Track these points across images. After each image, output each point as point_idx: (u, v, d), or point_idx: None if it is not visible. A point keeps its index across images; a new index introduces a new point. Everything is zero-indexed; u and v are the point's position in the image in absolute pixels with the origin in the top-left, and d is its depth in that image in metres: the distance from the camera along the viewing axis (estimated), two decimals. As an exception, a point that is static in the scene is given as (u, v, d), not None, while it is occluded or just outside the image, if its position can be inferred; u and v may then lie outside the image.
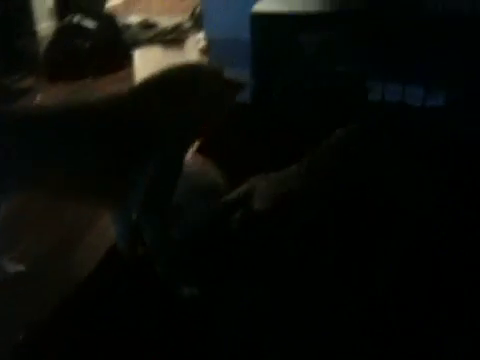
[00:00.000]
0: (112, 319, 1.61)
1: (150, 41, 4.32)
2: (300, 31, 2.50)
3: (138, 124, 1.61)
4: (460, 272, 1.58)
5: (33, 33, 3.76)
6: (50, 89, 3.46)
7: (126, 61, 3.87)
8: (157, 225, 1.66)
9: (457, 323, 1.47)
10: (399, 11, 2.43)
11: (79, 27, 3.75)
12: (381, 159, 1.83)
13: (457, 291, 1.54)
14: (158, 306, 1.63)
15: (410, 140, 1.97)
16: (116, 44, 3.85)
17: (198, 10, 4.55)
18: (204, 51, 3.90)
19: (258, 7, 2.60)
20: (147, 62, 3.95)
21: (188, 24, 4.55)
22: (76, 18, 3.77)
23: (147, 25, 4.49)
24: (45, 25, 4.05)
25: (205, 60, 3.71)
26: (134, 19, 4.64)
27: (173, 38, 4.35)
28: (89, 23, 3.77)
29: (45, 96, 3.33)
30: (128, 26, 4.38)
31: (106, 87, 3.42)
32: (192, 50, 4.11)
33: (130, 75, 3.76)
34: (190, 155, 1.93)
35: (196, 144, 2.05)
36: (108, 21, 3.92)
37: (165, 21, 4.53)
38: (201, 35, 4.07)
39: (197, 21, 4.44)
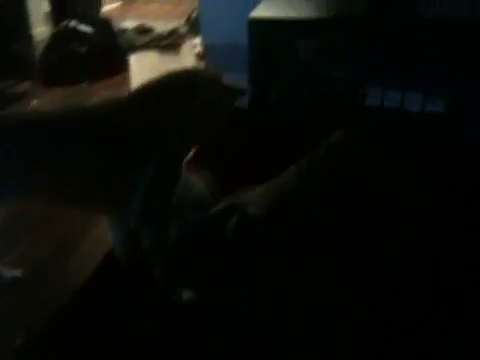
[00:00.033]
0: (110, 324, 1.60)
1: (146, 46, 4.33)
2: (298, 37, 2.50)
3: (137, 129, 1.60)
4: (460, 272, 1.58)
5: (29, 37, 3.76)
6: (46, 94, 3.45)
7: (122, 66, 3.87)
8: (156, 229, 1.66)
9: (457, 323, 1.46)
10: (395, 17, 2.44)
11: (75, 32, 3.75)
12: (380, 159, 1.84)
13: (457, 291, 1.53)
14: (156, 312, 1.62)
15: (409, 141, 1.98)
16: (112, 49, 3.85)
17: (194, 15, 4.56)
18: (200, 56, 3.90)
19: (256, 13, 2.61)
20: (143, 67, 3.95)
21: (184, 29, 4.56)
22: (72, 23, 3.76)
23: (143, 30, 4.50)
24: (41, 29, 4.05)
25: (201, 65, 3.71)
26: (130, 24, 4.65)
27: (169, 43, 4.35)
28: (85, 28, 3.76)
29: (41, 101, 3.32)
30: (124, 31, 4.39)
31: (102, 92, 3.42)
32: (188, 55, 4.12)
33: (126, 80, 3.76)
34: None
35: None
36: (104, 26, 3.91)
37: (161, 26, 4.54)
38: (197, 40, 4.08)
39: (193, 26, 4.46)
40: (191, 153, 1.73)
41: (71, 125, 1.62)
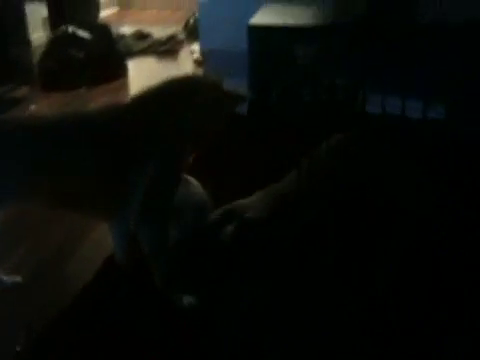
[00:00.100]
0: (109, 327, 1.60)
1: (144, 52, 4.33)
2: (297, 43, 2.53)
3: (138, 134, 1.61)
4: (460, 272, 1.59)
5: (27, 43, 3.75)
6: (44, 99, 3.45)
7: (120, 71, 3.87)
8: (156, 231, 1.66)
9: (457, 323, 1.47)
10: (394, 22, 2.46)
11: (73, 37, 3.75)
12: (380, 161, 1.85)
13: (457, 291, 1.54)
14: (156, 313, 1.62)
15: (408, 142, 1.99)
16: (110, 54, 3.85)
17: (192, 21, 4.57)
18: (199, 62, 3.91)
19: (256, 19, 2.63)
20: (141, 72, 3.95)
21: (182, 35, 4.57)
22: (70, 28, 3.76)
23: (141, 36, 4.50)
24: (39, 35, 4.05)
25: (199, 71, 3.72)
26: (128, 30, 4.65)
27: (167, 49, 4.36)
28: (83, 33, 3.76)
29: (39, 106, 3.32)
30: (122, 36, 4.39)
31: (100, 97, 3.42)
32: (186, 61, 4.12)
33: (124, 85, 3.76)
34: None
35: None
36: (102, 31, 3.91)
37: (159, 32, 4.54)
38: (195, 46, 4.09)
39: (191, 32, 4.47)
40: (191, 157, 1.74)
41: (70, 130, 1.63)
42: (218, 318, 1.58)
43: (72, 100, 3.42)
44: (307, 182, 1.78)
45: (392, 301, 1.52)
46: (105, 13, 5.40)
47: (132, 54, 4.23)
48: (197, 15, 4.02)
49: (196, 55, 4.02)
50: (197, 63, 3.95)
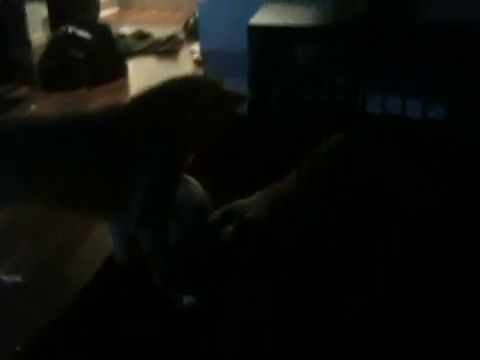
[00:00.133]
0: (109, 327, 1.60)
1: (144, 52, 4.33)
2: (297, 43, 2.53)
3: (138, 134, 1.60)
4: (460, 272, 1.59)
5: (27, 43, 3.74)
6: (44, 99, 3.45)
7: (120, 71, 3.87)
8: (156, 231, 1.66)
9: (457, 323, 1.47)
10: (394, 22, 2.47)
11: (73, 37, 3.75)
12: (380, 161, 1.85)
13: (457, 291, 1.54)
14: (156, 314, 1.62)
15: (408, 142, 1.99)
16: (110, 54, 3.85)
17: (192, 21, 4.57)
18: (199, 62, 3.91)
19: (256, 19, 2.63)
20: (141, 72, 3.95)
21: (182, 35, 4.57)
22: (70, 28, 3.76)
23: (141, 36, 4.50)
24: (39, 35, 4.05)
25: (199, 71, 3.72)
26: (128, 30, 4.65)
27: (167, 49, 4.36)
28: (83, 33, 3.76)
29: (39, 106, 3.32)
30: (122, 37, 4.39)
31: (100, 97, 3.42)
32: (186, 61, 4.12)
33: (124, 85, 3.76)
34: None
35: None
36: (102, 31, 3.91)
37: (159, 32, 4.54)
38: (195, 46, 4.09)
39: (191, 32, 4.47)
40: (191, 157, 1.74)
41: (70, 130, 1.62)
42: (218, 318, 1.58)
43: (72, 100, 3.43)
44: (307, 182, 1.78)
45: (392, 301, 1.52)
46: (105, 13, 5.40)
47: (132, 54, 4.23)
48: (197, 15, 4.03)
49: (196, 55, 4.02)
50: (197, 63, 3.95)
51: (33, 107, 3.31)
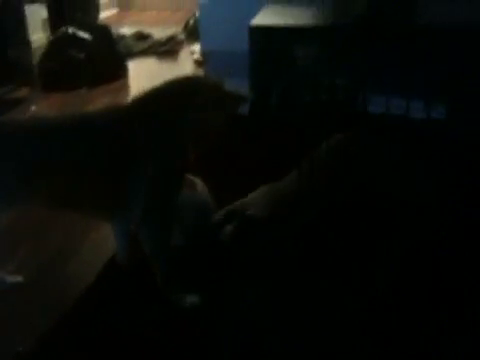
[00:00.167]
0: (110, 328, 1.60)
1: (144, 52, 4.34)
2: (297, 43, 2.53)
3: (139, 135, 1.60)
4: (460, 273, 1.59)
5: (27, 43, 3.75)
6: (44, 100, 3.45)
7: (120, 72, 3.87)
8: (157, 231, 1.66)
9: (457, 323, 1.47)
10: (394, 23, 2.47)
11: (73, 38, 3.75)
12: (380, 161, 1.85)
13: (457, 291, 1.55)
14: (156, 316, 1.62)
15: (408, 142, 1.99)
16: (110, 55, 3.85)
17: (192, 22, 4.58)
18: (199, 63, 3.91)
19: (257, 20, 2.64)
20: (141, 73, 3.95)
21: (182, 36, 4.57)
22: (70, 29, 3.77)
23: (141, 36, 4.51)
24: (39, 36, 4.05)
25: (200, 71, 3.72)
26: (128, 30, 4.65)
27: (167, 49, 4.36)
28: (83, 34, 3.77)
29: (39, 107, 3.32)
30: (122, 37, 4.39)
31: (100, 98, 3.43)
32: (186, 61, 4.12)
33: (124, 86, 3.76)
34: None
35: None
36: (102, 32, 3.92)
37: (159, 32, 4.55)
38: (195, 47, 4.09)
39: (191, 33, 4.47)
40: (193, 158, 1.74)
41: (71, 131, 1.63)
42: (218, 318, 1.58)
43: (72, 101, 3.43)
44: (307, 182, 1.78)
45: (392, 301, 1.52)
46: (105, 14, 5.41)
47: (132, 55, 4.24)
48: (197, 16, 4.03)
49: (196, 56, 4.02)
50: (197, 64, 3.95)
51: (33, 108, 3.31)
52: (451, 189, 1.81)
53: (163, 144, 1.62)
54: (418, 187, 1.79)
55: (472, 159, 1.96)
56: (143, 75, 3.86)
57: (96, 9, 4.73)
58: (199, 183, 1.89)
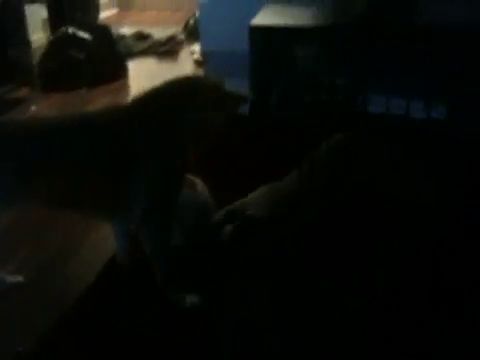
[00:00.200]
0: (110, 327, 1.60)
1: (144, 52, 4.34)
2: (297, 43, 2.53)
3: (139, 135, 1.60)
4: (460, 273, 1.59)
5: (27, 44, 3.75)
6: (44, 100, 3.45)
7: (120, 72, 3.87)
8: (157, 231, 1.66)
9: (457, 323, 1.47)
10: (393, 23, 2.47)
11: (73, 38, 3.75)
12: (380, 161, 1.85)
13: (457, 291, 1.55)
14: (157, 316, 1.62)
15: (408, 141, 1.99)
16: (110, 55, 3.85)
17: (192, 22, 4.58)
18: (199, 63, 3.91)
19: (257, 20, 2.64)
20: (141, 73, 3.95)
21: (182, 36, 4.57)
22: (70, 29, 3.77)
23: (141, 36, 4.51)
24: (39, 36, 4.06)
25: (200, 72, 3.72)
26: (128, 30, 4.65)
27: (167, 50, 4.36)
28: (83, 34, 3.77)
29: (39, 107, 3.32)
30: (122, 37, 4.39)
31: (100, 98, 3.43)
32: (186, 61, 4.12)
33: (124, 86, 3.76)
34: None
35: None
36: (102, 32, 3.92)
37: (159, 32, 4.55)
38: (196, 47, 4.09)
39: (191, 33, 4.47)
40: (193, 158, 1.74)
41: (71, 131, 1.63)
42: (218, 318, 1.58)
43: (72, 101, 3.43)
44: (307, 182, 1.78)
45: (392, 301, 1.52)
46: (105, 14, 5.41)
47: (132, 55, 4.24)
48: (197, 16, 4.03)
49: (196, 56, 4.02)
50: (197, 64, 3.95)
51: (33, 108, 3.31)
52: (451, 189, 1.81)
53: (163, 144, 1.62)
54: (418, 187, 1.79)
55: (472, 159, 1.96)
56: (143, 75, 3.86)
57: (96, 9, 4.73)
58: (199, 183, 1.89)
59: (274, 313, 1.55)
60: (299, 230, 1.69)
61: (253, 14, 2.74)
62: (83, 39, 3.74)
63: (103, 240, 1.93)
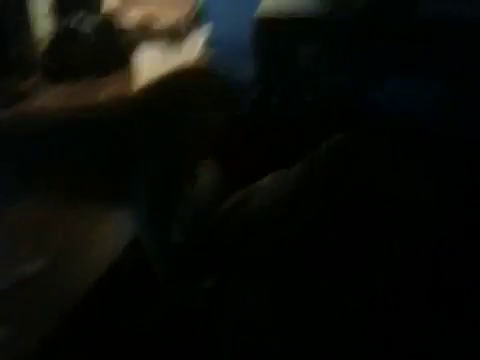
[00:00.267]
0: (110, 329, 1.61)
1: (147, 43, 4.32)
2: (302, 38, 2.51)
3: (139, 134, 1.61)
4: (461, 273, 1.59)
5: (30, 36, 3.74)
6: (48, 92, 3.45)
7: (124, 63, 3.86)
8: (157, 231, 1.67)
9: (458, 323, 1.47)
10: (393, 21, 2.45)
11: (76, 30, 3.74)
12: (381, 161, 1.84)
13: (458, 291, 1.55)
14: (157, 316, 1.63)
15: (409, 141, 1.98)
16: (114, 46, 3.85)
17: (195, 12, 4.55)
18: (202, 55, 3.89)
19: (260, 13, 2.62)
20: (144, 64, 3.93)
21: (185, 27, 4.54)
22: (73, 21, 3.76)
23: (144, 27, 4.48)
24: (42, 28, 4.05)
25: (203, 63, 3.71)
26: (131, 21, 4.63)
27: (170, 41, 4.34)
28: (86, 26, 3.76)
29: (43, 99, 3.32)
30: (125, 28, 4.37)
31: (103, 88, 3.42)
32: (190, 53, 4.10)
33: (127, 77, 3.75)
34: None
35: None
36: (106, 23, 3.91)
37: (162, 23, 4.52)
38: (199, 38, 4.06)
39: (194, 24, 4.44)
40: (194, 154, 1.74)
41: (71, 131, 1.63)
42: (219, 318, 1.58)
43: (76, 92, 3.42)
44: (307, 183, 1.78)
45: (393, 301, 1.52)
46: (108, 5, 5.38)
47: (136, 45, 4.22)
48: (201, 6, 4.00)
49: (199, 46, 4.00)
50: (200, 56, 3.93)
51: (37, 101, 3.31)
52: (452, 189, 1.80)
53: (163, 143, 1.62)
54: (418, 187, 1.78)
55: (472, 159, 1.95)
56: (146, 66, 3.84)
57: (99, 1, 4.71)
58: (199, 181, 1.89)
59: (274, 313, 1.55)
60: (299, 230, 1.68)
61: (256, 5, 2.72)
62: (85, 31, 3.73)
63: (103, 240, 1.94)
